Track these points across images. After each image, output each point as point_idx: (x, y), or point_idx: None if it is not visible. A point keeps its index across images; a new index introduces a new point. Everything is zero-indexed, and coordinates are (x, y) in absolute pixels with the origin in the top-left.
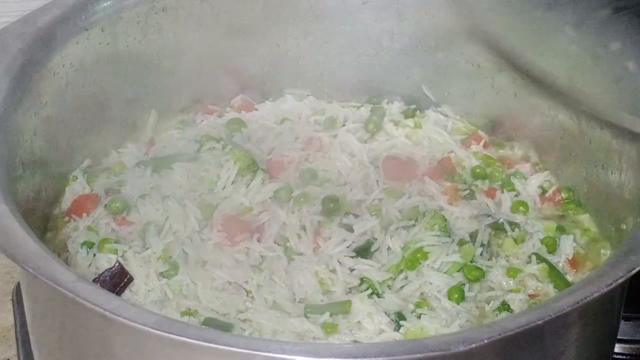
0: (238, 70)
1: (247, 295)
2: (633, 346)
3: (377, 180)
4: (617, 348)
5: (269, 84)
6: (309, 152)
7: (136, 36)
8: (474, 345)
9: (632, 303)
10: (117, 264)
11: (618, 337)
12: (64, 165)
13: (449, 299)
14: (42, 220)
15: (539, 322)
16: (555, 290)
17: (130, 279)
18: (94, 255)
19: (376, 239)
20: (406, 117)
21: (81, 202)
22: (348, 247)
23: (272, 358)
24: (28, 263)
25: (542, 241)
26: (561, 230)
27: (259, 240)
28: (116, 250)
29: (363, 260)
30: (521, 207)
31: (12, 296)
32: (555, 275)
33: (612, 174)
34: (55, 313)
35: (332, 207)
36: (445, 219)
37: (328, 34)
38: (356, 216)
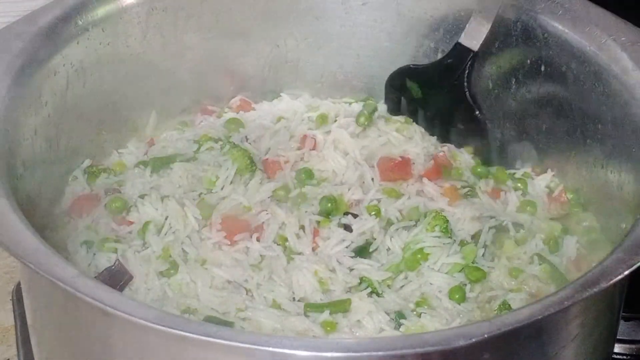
0: (238, 70)
1: (246, 294)
2: (633, 346)
3: (373, 179)
4: (617, 348)
5: (269, 84)
6: (304, 150)
7: (136, 36)
8: (473, 340)
9: (632, 303)
10: (117, 262)
11: (618, 337)
12: (64, 165)
13: (450, 298)
14: (42, 220)
15: (539, 317)
16: (555, 286)
17: (130, 278)
18: (94, 254)
19: (375, 239)
20: None
21: (81, 202)
22: (347, 247)
23: (273, 352)
24: (28, 258)
25: (544, 241)
26: (566, 231)
27: (258, 240)
28: (116, 249)
29: (362, 260)
30: (529, 207)
31: (12, 296)
32: (557, 276)
33: (612, 173)
34: (56, 309)
35: (329, 207)
36: (447, 220)
37: (328, 35)
38: (355, 216)
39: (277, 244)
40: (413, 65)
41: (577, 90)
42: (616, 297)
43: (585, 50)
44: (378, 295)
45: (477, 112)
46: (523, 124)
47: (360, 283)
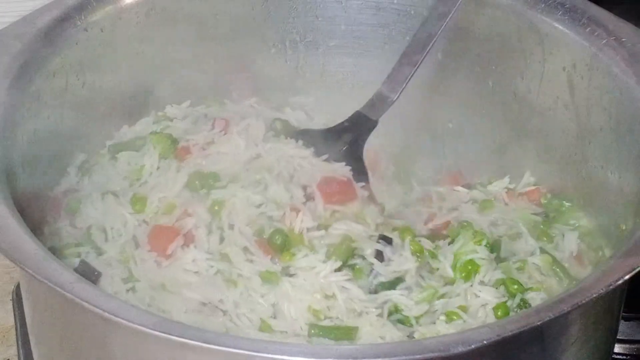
0: (237, 70)
1: (224, 316)
2: (633, 346)
3: (311, 197)
4: (617, 348)
5: (269, 83)
6: (214, 132)
7: (136, 36)
8: (473, 346)
9: (632, 303)
10: (81, 263)
11: (618, 337)
12: (62, 165)
13: (495, 316)
14: (40, 221)
15: (539, 323)
16: (557, 279)
17: (99, 275)
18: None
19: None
20: None
21: (55, 202)
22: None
23: (272, 359)
24: (27, 264)
25: (534, 236)
26: (545, 224)
27: (195, 247)
28: (78, 253)
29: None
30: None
31: (12, 296)
32: (558, 267)
33: (612, 174)
34: (55, 313)
35: (279, 242)
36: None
37: (328, 35)
38: (389, 240)
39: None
40: (307, 129)
41: (577, 91)
42: (616, 300)
43: (585, 50)
44: (410, 326)
45: (365, 180)
46: (523, 125)
47: (391, 314)
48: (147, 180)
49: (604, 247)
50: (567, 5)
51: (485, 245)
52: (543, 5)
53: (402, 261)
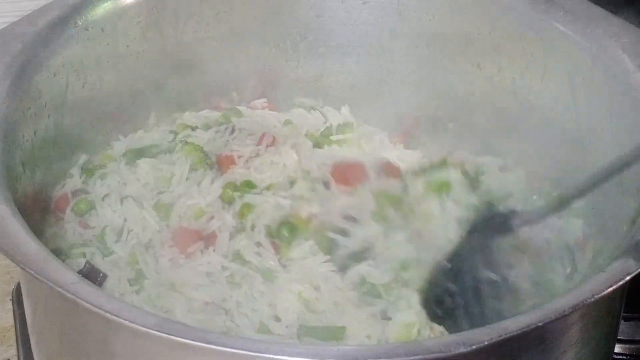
0: (237, 69)
1: (226, 315)
2: (633, 346)
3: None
4: (617, 348)
5: (268, 83)
6: (260, 147)
7: (136, 36)
8: (474, 347)
9: (632, 303)
10: (87, 264)
11: (618, 337)
12: (64, 165)
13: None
14: (41, 221)
15: (540, 324)
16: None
17: (104, 277)
18: (63, 261)
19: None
20: None
21: (60, 203)
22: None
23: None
24: (28, 264)
25: None
26: None
27: (214, 251)
28: (84, 253)
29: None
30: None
31: (12, 296)
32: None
33: (612, 174)
34: (56, 314)
35: (287, 235)
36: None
37: (328, 34)
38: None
39: (234, 260)
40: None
41: (578, 92)
42: (617, 300)
43: (586, 51)
44: (379, 297)
45: None
46: (523, 125)
47: (361, 284)
48: (174, 189)
49: (604, 244)
50: (568, 7)
51: (462, 173)
52: (543, 6)
53: (366, 231)
